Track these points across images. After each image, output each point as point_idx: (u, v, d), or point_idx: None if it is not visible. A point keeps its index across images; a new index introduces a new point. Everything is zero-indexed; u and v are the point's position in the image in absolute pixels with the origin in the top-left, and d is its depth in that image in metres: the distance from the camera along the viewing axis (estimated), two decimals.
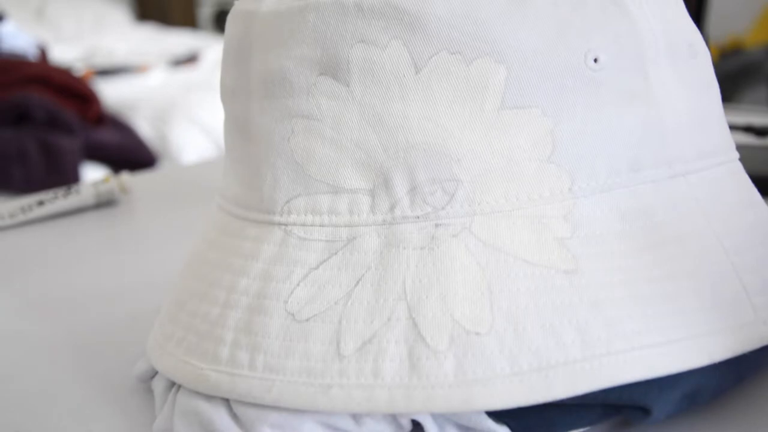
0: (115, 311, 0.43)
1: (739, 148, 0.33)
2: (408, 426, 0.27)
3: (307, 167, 0.29)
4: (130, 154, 1.60)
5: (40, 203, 0.62)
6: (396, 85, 0.28)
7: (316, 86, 0.29)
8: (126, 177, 0.67)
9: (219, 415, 0.27)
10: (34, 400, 0.34)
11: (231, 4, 0.33)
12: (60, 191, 0.64)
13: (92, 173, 1.49)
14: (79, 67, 2.12)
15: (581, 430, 0.28)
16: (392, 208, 0.28)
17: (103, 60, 2.34)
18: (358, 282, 0.27)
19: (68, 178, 1.41)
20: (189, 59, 2.31)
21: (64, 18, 2.91)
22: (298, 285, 0.28)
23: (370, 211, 0.28)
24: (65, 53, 2.35)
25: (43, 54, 1.86)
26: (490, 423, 0.26)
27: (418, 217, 0.28)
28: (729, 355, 0.26)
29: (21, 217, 0.61)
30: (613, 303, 0.26)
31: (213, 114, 1.77)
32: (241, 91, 0.32)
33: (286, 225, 0.29)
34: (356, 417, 0.27)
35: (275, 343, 0.27)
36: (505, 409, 0.25)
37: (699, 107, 0.31)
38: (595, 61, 0.28)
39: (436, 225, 0.27)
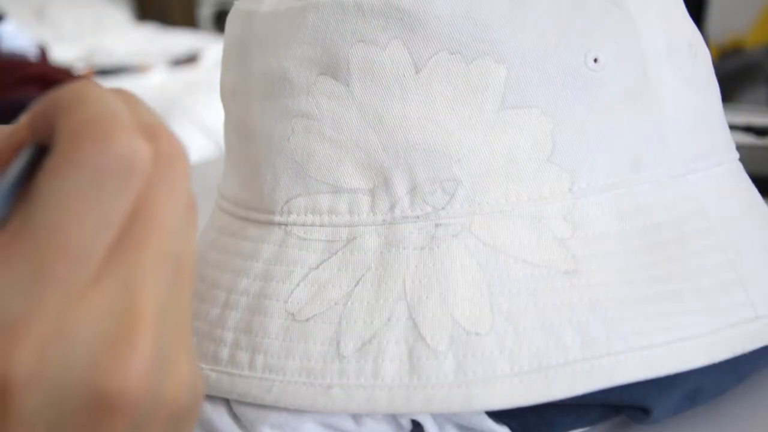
0: None
1: (739, 148, 0.33)
2: (408, 426, 0.27)
3: (307, 167, 0.29)
4: None
5: None
6: (396, 85, 0.28)
7: (315, 86, 0.29)
8: None
9: (219, 415, 0.27)
10: None
11: (231, 4, 0.33)
12: None
13: None
14: (80, 67, 2.12)
15: (581, 430, 0.28)
16: (392, 207, 0.28)
17: (103, 60, 2.34)
18: (358, 282, 0.27)
19: None
20: (189, 59, 2.30)
21: (64, 18, 2.90)
22: (298, 285, 0.28)
23: (370, 211, 0.28)
24: (65, 53, 2.34)
25: (43, 54, 1.86)
26: (490, 423, 0.26)
27: (418, 217, 0.28)
28: (729, 355, 0.25)
29: None
30: (612, 303, 0.25)
31: (213, 114, 1.77)
32: (241, 91, 0.32)
33: (286, 225, 0.29)
34: (356, 417, 0.27)
35: (275, 343, 0.27)
36: (505, 409, 0.25)
37: (699, 107, 0.31)
38: (595, 61, 0.28)
39: (436, 225, 0.27)
